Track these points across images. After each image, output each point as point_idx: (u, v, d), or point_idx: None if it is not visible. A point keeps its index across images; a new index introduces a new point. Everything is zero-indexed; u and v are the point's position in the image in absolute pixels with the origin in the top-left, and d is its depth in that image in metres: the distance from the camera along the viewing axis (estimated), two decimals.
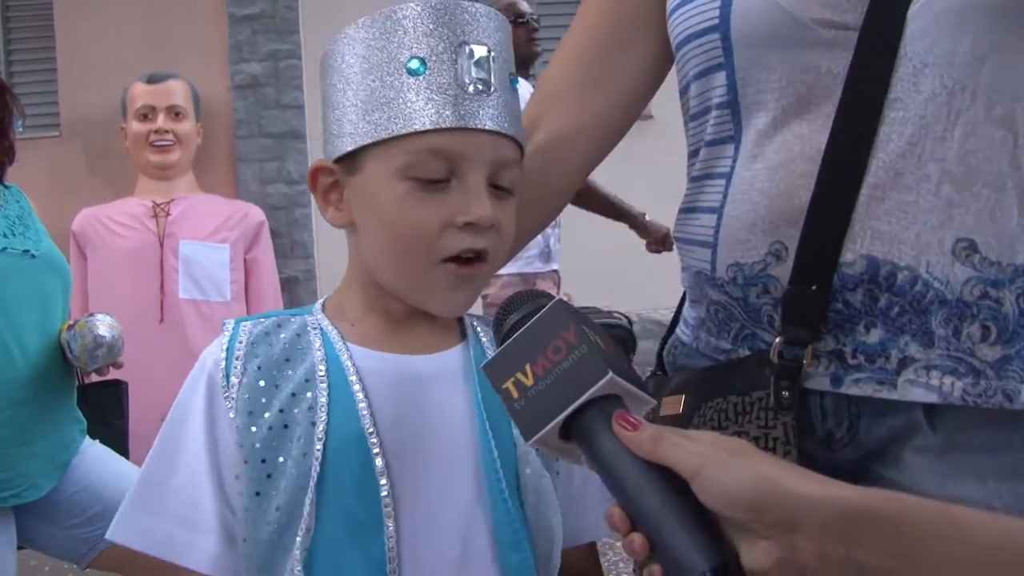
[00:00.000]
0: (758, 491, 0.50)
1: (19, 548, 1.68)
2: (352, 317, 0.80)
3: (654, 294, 3.31)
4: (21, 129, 1.79)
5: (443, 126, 0.72)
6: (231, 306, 2.66)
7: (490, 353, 0.81)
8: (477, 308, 0.81)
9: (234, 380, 0.75)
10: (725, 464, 0.52)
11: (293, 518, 0.72)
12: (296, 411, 0.74)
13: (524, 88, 2.75)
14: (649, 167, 2.87)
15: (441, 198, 0.73)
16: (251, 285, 2.76)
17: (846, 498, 0.50)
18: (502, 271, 2.83)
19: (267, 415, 0.74)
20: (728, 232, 0.79)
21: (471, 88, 0.73)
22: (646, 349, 1.96)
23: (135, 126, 2.75)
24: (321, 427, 0.73)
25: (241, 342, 0.78)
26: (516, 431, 0.77)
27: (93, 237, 2.66)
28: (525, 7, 2.80)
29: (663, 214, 2.82)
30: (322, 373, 0.76)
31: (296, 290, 3.46)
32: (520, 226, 0.82)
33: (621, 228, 2.91)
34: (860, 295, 0.72)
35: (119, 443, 1.88)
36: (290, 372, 0.76)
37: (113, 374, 1.82)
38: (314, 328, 0.79)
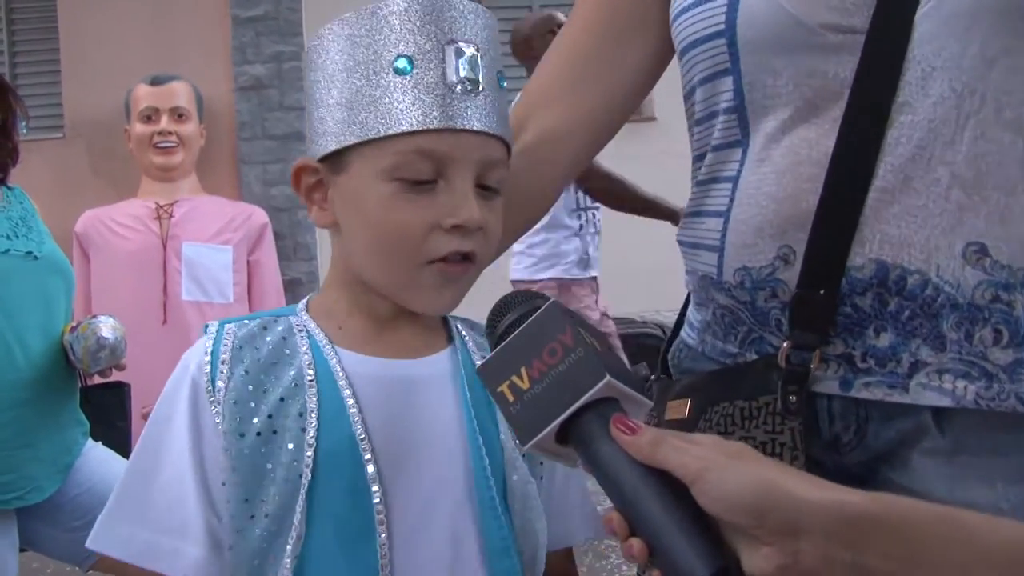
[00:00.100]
0: (760, 495, 0.50)
1: (21, 550, 1.68)
2: (338, 318, 0.79)
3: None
4: (25, 131, 1.80)
5: (430, 127, 0.71)
6: (234, 308, 2.66)
7: (476, 357, 0.81)
8: None
9: (220, 385, 0.74)
10: (726, 468, 0.51)
11: (283, 526, 0.71)
12: (285, 417, 0.73)
13: None
14: (652, 168, 2.87)
15: (428, 199, 0.72)
16: (254, 287, 2.75)
17: (849, 502, 0.50)
18: (539, 276, 2.84)
19: (255, 421, 0.72)
20: (735, 236, 0.78)
21: (459, 88, 0.72)
22: None
23: (138, 128, 2.75)
24: (311, 433, 0.72)
25: (226, 345, 0.76)
26: (504, 436, 0.77)
27: (96, 238, 2.66)
28: (562, 18, 2.81)
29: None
30: (311, 378, 0.74)
31: (299, 292, 3.46)
32: (506, 226, 0.81)
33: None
34: (869, 299, 0.72)
35: (122, 445, 1.87)
36: (277, 377, 0.75)
37: (116, 376, 1.82)
38: (300, 330, 0.78)
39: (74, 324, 1.72)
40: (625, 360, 2.96)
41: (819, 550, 0.49)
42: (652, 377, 0.96)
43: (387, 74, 0.72)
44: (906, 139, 0.70)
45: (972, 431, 0.71)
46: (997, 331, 0.68)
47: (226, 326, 0.78)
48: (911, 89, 0.69)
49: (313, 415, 0.72)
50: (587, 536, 0.88)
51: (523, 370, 0.59)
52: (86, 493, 1.70)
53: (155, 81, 2.78)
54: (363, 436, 0.73)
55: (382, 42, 0.72)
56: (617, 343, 2.99)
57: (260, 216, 2.80)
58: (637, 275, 3.13)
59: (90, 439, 1.78)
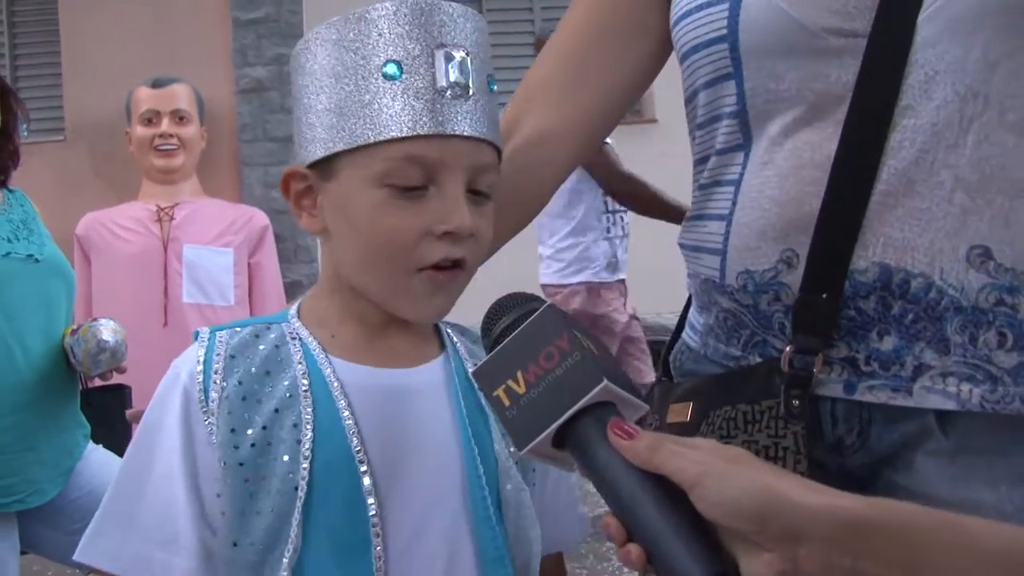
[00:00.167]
0: (760, 501, 0.49)
1: (22, 553, 1.68)
2: (330, 326, 0.78)
3: None
4: (26, 134, 1.80)
5: (420, 133, 0.70)
6: (235, 310, 2.65)
7: (469, 363, 0.80)
8: None
9: (214, 395, 0.72)
10: (725, 473, 0.51)
11: (279, 538, 0.70)
12: (280, 428, 0.72)
13: None
14: (653, 170, 2.87)
15: (419, 206, 0.71)
16: (255, 289, 2.75)
17: (849, 508, 0.49)
18: (569, 280, 2.84)
19: (250, 432, 0.72)
20: (738, 239, 0.78)
21: (448, 93, 0.71)
22: None
23: (139, 130, 2.74)
24: (307, 445, 0.71)
25: (219, 354, 0.74)
26: (497, 446, 0.77)
27: (97, 241, 2.65)
28: None
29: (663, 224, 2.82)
30: (305, 388, 0.73)
31: (300, 294, 3.45)
32: (501, 226, 0.81)
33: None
34: (873, 302, 0.72)
35: (122, 447, 1.85)
36: (271, 386, 0.74)
37: (117, 378, 1.81)
38: (293, 338, 0.77)
39: (75, 327, 1.72)
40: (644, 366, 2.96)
41: (818, 556, 0.49)
42: (654, 380, 0.96)
43: (376, 79, 0.71)
44: (909, 142, 0.69)
45: (976, 433, 0.71)
46: (1001, 334, 0.68)
47: (218, 334, 0.77)
48: (914, 92, 0.69)
49: (308, 427, 0.72)
50: (577, 540, 0.88)
51: (519, 374, 0.59)
52: (87, 496, 1.70)
53: (156, 84, 2.78)
54: (359, 448, 0.72)
55: (370, 47, 0.71)
56: (644, 347, 3.00)
57: (261, 218, 2.80)
58: (638, 277, 3.13)
59: (91, 442, 1.78)
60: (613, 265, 2.87)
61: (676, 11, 0.83)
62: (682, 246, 0.89)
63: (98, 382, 1.80)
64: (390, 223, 0.71)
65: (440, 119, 0.70)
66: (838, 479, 0.78)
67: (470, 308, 0.83)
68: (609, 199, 2.80)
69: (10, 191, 1.77)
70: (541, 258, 2.97)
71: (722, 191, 0.81)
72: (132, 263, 2.59)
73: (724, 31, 0.76)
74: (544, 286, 2.94)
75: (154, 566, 0.71)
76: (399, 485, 0.73)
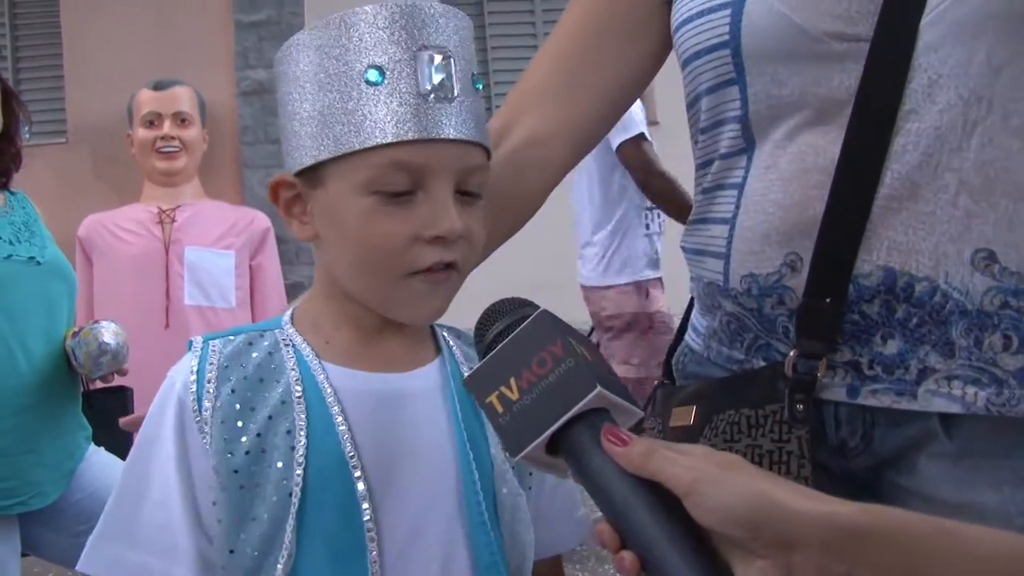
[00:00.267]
0: (754, 507, 0.49)
1: (23, 555, 1.68)
2: (325, 331, 0.78)
3: None
4: (28, 136, 1.80)
5: (406, 138, 0.69)
6: (236, 312, 2.65)
7: (464, 367, 0.80)
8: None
9: (207, 404, 0.72)
10: (719, 480, 0.51)
11: (274, 544, 0.70)
12: (274, 435, 0.72)
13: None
14: None
15: (407, 211, 0.70)
16: (256, 291, 2.75)
17: (844, 514, 0.49)
18: (616, 281, 2.83)
19: (244, 439, 0.71)
20: (741, 243, 0.78)
21: (432, 96, 0.70)
22: None
23: (141, 132, 2.75)
24: (301, 451, 0.71)
25: (212, 363, 0.74)
26: (493, 450, 0.77)
27: (99, 243, 2.65)
28: None
29: (668, 218, 2.82)
30: (299, 394, 0.73)
31: (301, 296, 3.45)
32: (494, 229, 0.80)
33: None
34: (877, 306, 0.72)
35: (124, 450, 1.86)
36: (265, 394, 0.73)
37: (118, 380, 1.81)
38: (287, 345, 0.76)
39: (76, 329, 1.72)
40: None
41: (813, 562, 0.48)
42: (656, 383, 0.96)
43: (358, 85, 0.70)
44: (913, 146, 0.69)
45: (980, 435, 0.71)
46: (1007, 337, 0.68)
47: (211, 342, 0.76)
48: (917, 97, 0.69)
49: (302, 433, 0.71)
50: (576, 544, 0.88)
51: (512, 381, 0.58)
52: (88, 498, 1.70)
53: (158, 86, 2.78)
54: (352, 453, 0.72)
55: (352, 52, 0.71)
56: None
57: (262, 220, 2.80)
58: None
59: (92, 444, 1.78)
60: (655, 262, 2.87)
61: (677, 17, 0.83)
62: (684, 249, 0.89)
63: (100, 384, 1.80)
64: (379, 230, 0.71)
65: (425, 123, 0.70)
66: (840, 481, 0.78)
67: (466, 311, 0.83)
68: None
69: (12, 193, 1.77)
70: (580, 257, 2.96)
71: (725, 195, 0.81)
72: (134, 265, 2.59)
73: (726, 37, 0.76)
74: (587, 287, 2.92)
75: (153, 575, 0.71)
76: (394, 490, 0.73)
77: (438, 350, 0.81)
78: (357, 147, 0.70)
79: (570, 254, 3.42)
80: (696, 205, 0.87)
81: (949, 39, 0.68)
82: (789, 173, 0.75)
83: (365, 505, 0.71)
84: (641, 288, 2.83)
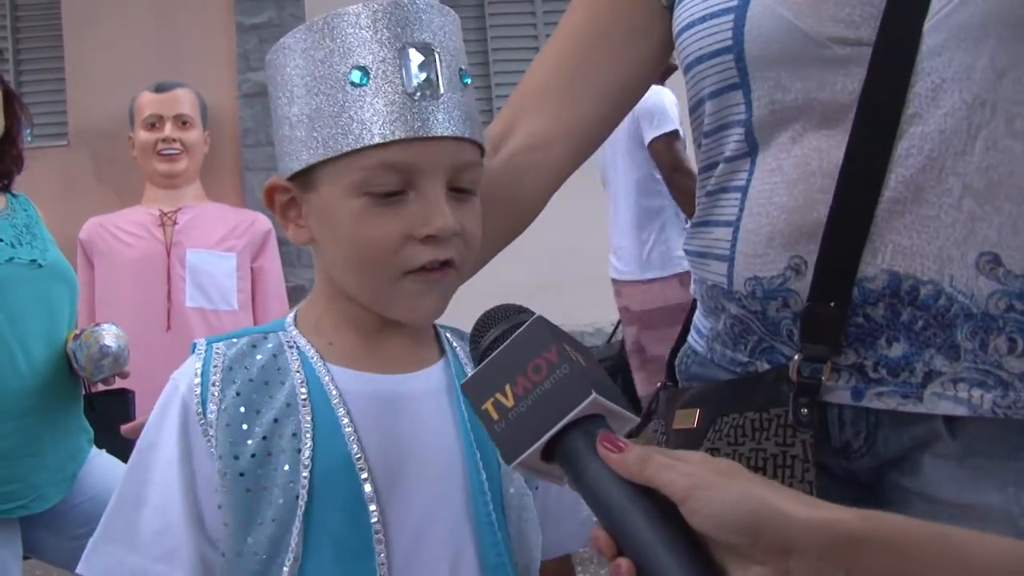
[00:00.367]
0: (751, 513, 0.49)
1: (24, 558, 1.67)
2: (327, 334, 0.78)
3: None
4: (30, 139, 1.80)
5: (393, 138, 0.69)
6: (238, 315, 2.65)
7: (468, 368, 0.80)
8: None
9: (212, 407, 0.72)
10: (717, 486, 0.51)
11: (280, 547, 0.70)
12: (280, 438, 0.71)
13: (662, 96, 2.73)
14: None
15: (399, 211, 0.70)
16: (258, 294, 2.75)
17: (842, 520, 0.49)
18: (661, 274, 2.83)
19: (250, 442, 0.71)
20: (745, 246, 0.78)
21: (418, 94, 0.70)
22: None
23: (142, 135, 2.75)
24: (307, 454, 0.71)
25: (216, 366, 0.74)
26: None
27: (100, 245, 2.66)
28: None
29: None
30: (304, 397, 0.73)
31: (303, 298, 3.45)
32: (495, 233, 0.80)
33: None
34: (881, 309, 0.72)
35: (126, 452, 1.86)
36: (270, 396, 0.73)
37: (120, 383, 1.81)
38: (290, 347, 0.76)
39: (77, 332, 1.72)
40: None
41: (810, 569, 0.48)
42: (659, 385, 0.95)
43: (344, 87, 0.70)
44: (917, 150, 0.69)
45: (984, 437, 0.71)
46: (1012, 340, 0.68)
47: (215, 345, 0.76)
48: (921, 101, 0.69)
49: (308, 435, 0.71)
50: (583, 544, 0.88)
51: (507, 387, 0.58)
52: (90, 501, 1.70)
53: (159, 88, 2.78)
54: (359, 455, 0.71)
55: (336, 54, 0.70)
56: None
57: (264, 223, 2.80)
58: None
59: (94, 447, 1.78)
60: None
61: (679, 22, 0.83)
62: (687, 252, 0.89)
63: (101, 387, 1.80)
64: (372, 231, 0.70)
65: (412, 122, 0.69)
66: (843, 482, 0.78)
67: (469, 314, 0.82)
68: None
69: (14, 196, 1.77)
70: (621, 256, 2.95)
71: (729, 197, 0.81)
72: (135, 267, 2.59)
73: (729, 42, 0.76)
74: (624, 282, 2.92)
75: None
76: (400, 491, 0.73)
77: (442, 351, 0.81)
78: (346, 149, 0.69)
79: (571, 255, 3.43)
80: (699, 208, 0.87)
81: (952, 43, 0.68)
82: (793, 176, 0.74)
83: (372, 507, 0.71)
84: (684, 280, 2.84)
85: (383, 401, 0.75)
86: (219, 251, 2.67)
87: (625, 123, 2.70)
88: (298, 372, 0.74)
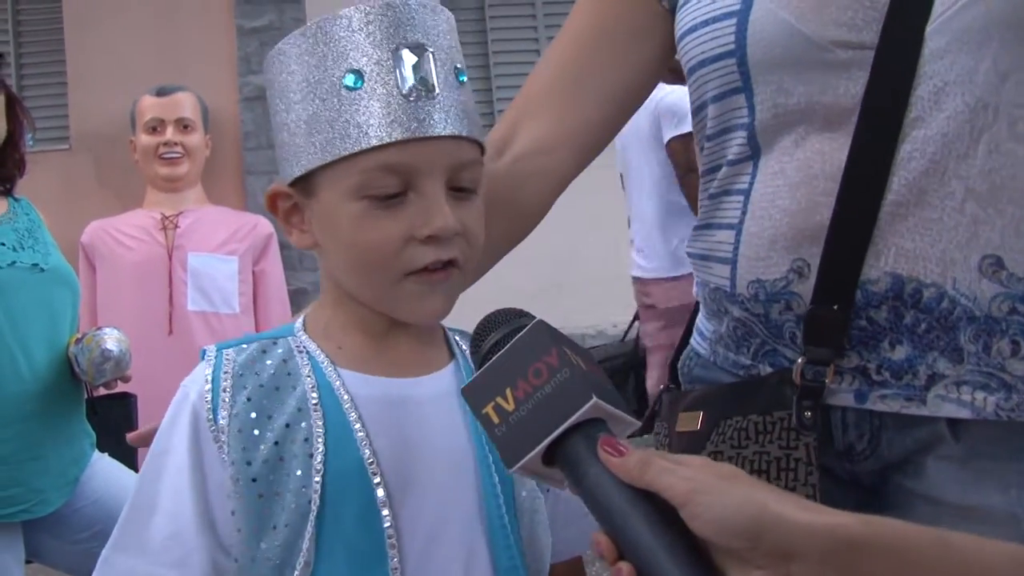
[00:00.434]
0: (752, 518, 0.49)
1: (27, 562, 1.68)
2: (336, 337, 0.77)
3: None
4: (32, 143, 1.80)
5: (390, 140, 0.68)
6: (240, 318, 2.65)
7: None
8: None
9: (223, 413, 0.72)
10: (717, 490, 0.51)
11: (293, 552, 0.69)
12: (292, 443, 0.71)
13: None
14: None
15: (399, 212, 0.70)
16: (259, 297, 2.75)
17: (843, 525, 0.49)
18: (687, 271, 2.82)
19: (262, 448, 0.71)
20: (748, 249, 0.78)
21: (413, 95, 0.69)
22: None
23: (144, 138, 2.75)
24: (319, 459, 0.70)
25: (227, 372, 0.74)
26: None
27: (102, 249, 2.66)
28: None
29: None
30: (315, 401, 0.73)
31: (305, 302, 3.45)
32: (499, 238, 0.80)
33: None
34: (885, 312, 0.72)
35: (128, 456, 1.87)
36: (281, 402, 0.73)
37: (122, 387, 1.81)
38: (300, 352, 0.76)
39: (79, 336, 1.72)
40: None
41: (812, 573, 0.48)
42: (662, 387, 0.95)
43: (338, 91, 0.70)
44: (919, 153, 0.69)
45: (987, 439, 0.71)
46: (1015, 342, 0.68)
47: (224, 351, 0.76)
48: (923, 104, 0.69)
49: (320, 440, 0.71)
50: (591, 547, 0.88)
51: (508, 391, 0.58)
52: (92, 505, 1.70)
53: (160, 92, 2.78)
54: (371, 459, 0.71)
55: (330, 59, 0.70)
56: None
57: (265, 226, 2.80)
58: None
59: (97, 451, 1.78)
60: None
61: (682, 26, 0.83)
62: (690, 255, 0.89)
63: (103, 391, 1.80)
64: (372, 234, 0.70)
65: (408, 123, 0.69)
66: (846, 485, 0.78)
67: (471, 317, 0.82)
68: None
69: (16, 200, 1.77)
70: (641, 252, 2.94)
71: (732, 200, 0.81)
72: (137, 271, 2.59)
73: (732, 46, 0.76)
74: (648, 280, 2.90)
75: None
76: (412, 495, 0.73)
77: (452, 354, 0.81)
78: (343, 154, 0.69)
79: (570, 258, 3.42)
80: (702, 211, 0.87)
81: (955, 46, 0.68)
82: (796, 179, 0.74)
83: (385, 511, 0.71)
84: None
85: (394, 405, 0.75)
86: (221, 254, 2.67)
87: (648, 121, 2.70)
88: (309, 377, 0.74)
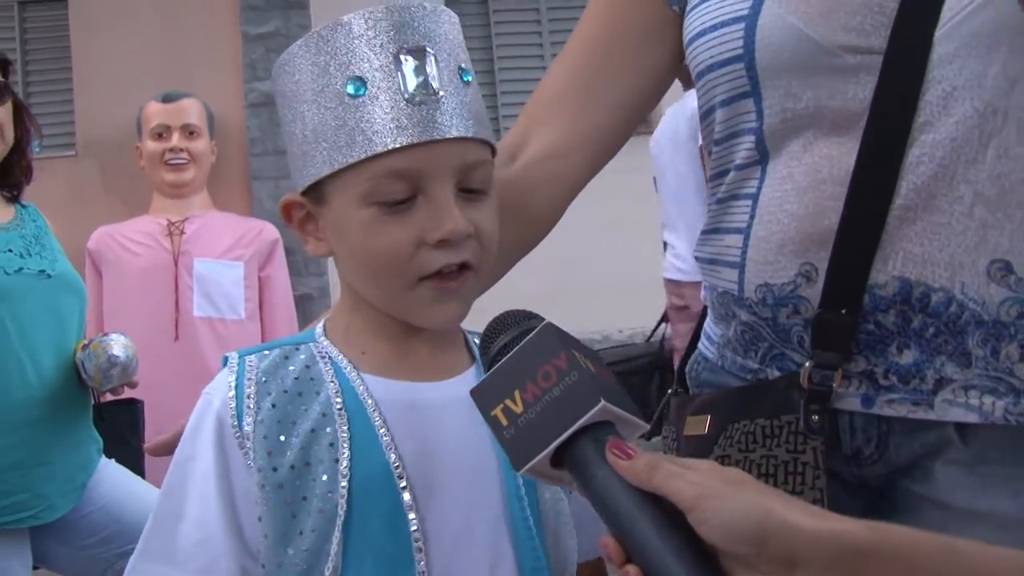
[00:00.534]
0: (759, 524, 0.49)
1: (34, 568, 1.68)
2: (358, 343, 0.77)
3: None
4: (39, 150, 1.80)
5: (395, 146, 0.68)
6: (246, 324, 2.66)
7: None
8: None
9: (248, 420, 0.72)
10: (724, 495, 0.51)
11: (320, 558, 0.69)
12: (317, 448, 0.71)
13: None
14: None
15: (409, 218, 0.70)
16: (265, 302, 2.75)
17: (850, 532, 0.49)
18: None
19: (288, 453, 0.71)
20: (756, 253, 0.78)
21: (418, 98, 0.69)
22: None
23: (150, 145, 2.76)
24: (345, 463, 0.70)
25: (250, 379, 0.74)
26: None
27: (108, 255, 2.67)
28: None
29: None
30: (339, 406, 0.73)
31: (310, 307, 3.46)
32: (512, 244, 0.80)
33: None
34: (892, 316, 0.71)
35: (135, 462, 1.87)
36: (305, 407, 0.73)
37: (128, 393, 1.81)
38: (322, 357, 0.76)
39: (86, 342, 1.72)
40: None
41: None
42: (669, 391, 0.95)
43: (342, 98, 0.70)
44: (928, 158, 0.69)
45: (995, 443, 0.71)
46: (1023, 347, 0.68)
47: (247, 358, 0.76)
48: (932, 109, 0.69)
49: (345, 445, 0.71)
50: None
51: (517, 393, 0.58)
52: (99, 511, 1.70)
53: (166, 98, 2.80)
54: (397, 464, 0.71)
55: (333, 66, 0.70)
56: None
57: (271, 232, 2.81)
58: (645, 289, 3.13)
59: (104, 456, 1.78)
60: None
61: (690, 30, 0.83)
62: (698, 259, 0.89)
63: (110, 397, 1.80)
64: (382, 241, 0.70)
65: (413, 128, 0.68)
66: (854, 489, 0.78)
67: (486, 321, 0.82)
68: None
69: (23, 206, 1.78)
70: (675, 254, 2.93)
71: (740, 204, 0.81)
72: (143, 277, 2.60)
73: (740, 51, 0.76)
74: (684, 283, 2.89)
75: None
76: (438, 499, 0.73)
77: (472, 357, 0.81)
78: (350, 161, 0.69)
79: (582, 262, 3.42)
80: (710, 215, 0.87)
81: (964, 51, 0.68)
82: (804, 184, 0.74)
83: (412, 515, 0.71)
84: None
85: (417, 409, 0.75)
86: (226, 260, 2.67)
87: (687, 125, 2.70)
88: (332, 382, 0.74)
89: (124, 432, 1.90)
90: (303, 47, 0.72)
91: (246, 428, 0.72)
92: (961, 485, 0.72)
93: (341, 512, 0.69)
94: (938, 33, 0.68)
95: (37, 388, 1.60)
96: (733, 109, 0.80)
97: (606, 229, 3.30)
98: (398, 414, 0.74)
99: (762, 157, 0.79)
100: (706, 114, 0.85)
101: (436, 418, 0.75)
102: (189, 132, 2.79)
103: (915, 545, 0.50)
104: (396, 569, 0.70)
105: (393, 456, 0.71)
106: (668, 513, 0.52)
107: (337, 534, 0.69)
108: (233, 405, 0.73)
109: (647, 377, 3.05)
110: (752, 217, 0.79)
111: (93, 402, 1.79)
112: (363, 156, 0.69)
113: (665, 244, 2.97)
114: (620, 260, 3.42)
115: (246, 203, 3.52)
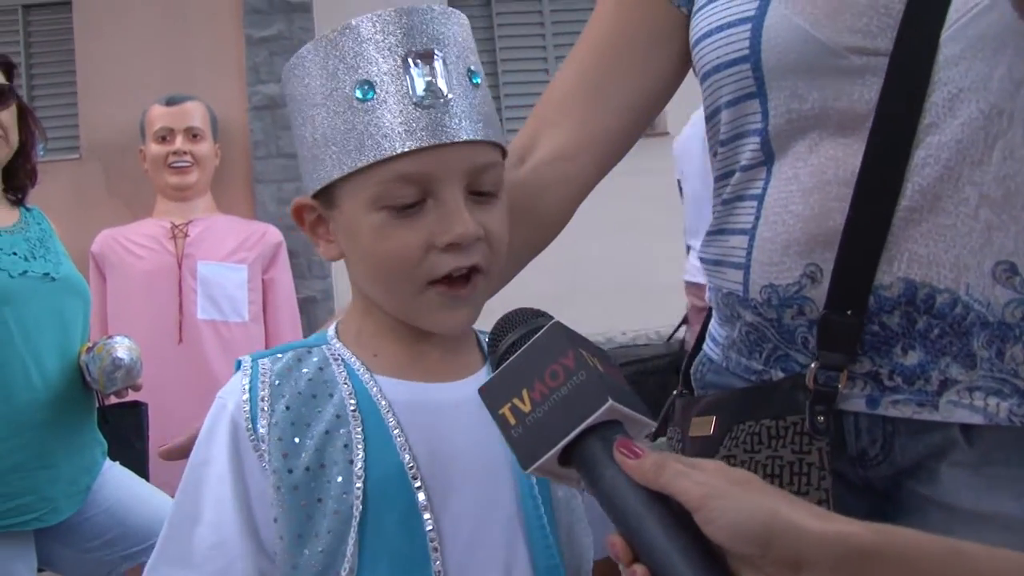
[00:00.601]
0: (764, 525, 0.49)
1: (39, 571, 1.68)
2: (370, 345, 0.78)
3: None
4: (43, 153, 1.81)
5: (404, 150, 0.68)
6: (249, 326, 2.66)
7: None
8: None
9: (262, 422, 0.72)
10: (731, 495, 0.51)
11: (336, 558, 0.69)
12: (331, 449, 0.71)
13: None
14: (664, 183, 2.87)
15: (419, 221, 0.69)
16: (269, 305, 2.75)
17: (853, 534, 0.49)
18: None
19: (303, 455, 0.71)
20: (761, 254, 0.78)
21: (426, 101, 0.69)
22: None
23: (153, 148, 2.77)
24: (359, 465, 0.71)
25: (264, 381, 0.74)
26: None
27: (112, 258, 2.67)
28: None
29: (676, 230, 2.81)
30: (353, 408, 0.73)
31: (314, 310, 3.46)
32: (522, 246, 0.79)
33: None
34: (897, 317, 0.71)
35: (139, 465, 1.87)
36: (319, 410, 0.73)
37: (132, 395, 1.82)
38: (335, 360, 0.77)
39: (90, 344, 1.72)
40: None
41: None
42: (675, 392, 0.95)
43: (351, 103, 0.70)
44: (934, 159, 0.69)
45: (1001, 445, 0.71)
46: None
47: (260, 361, 0.76)
48: (938, 110, 0.69)
49: (359, 446, 0.71)
50: None
51: (524, 392, 0.58)
52: (103, 513, 1.70)
53: (170, 101, 2.80)
54: (411, 464, 0.71)
55: (342, 70, 0.70)
56: None
57: (274, 234, 2.81)
58: (653, 291, 3.13)
59: (108, 459, 1.78)
60: None
61: (697, 31, 0.83)
62: (703, 260, 0.89)
63: (114, 399, 1.81)
64: (393, 244, 0.70)
65: (421, 132, 0.68)
66: (859, 491, 0.78)
67: (480, 321, 0.82)
68: None
69: (27, 209, 1.78)
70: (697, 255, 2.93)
71: (745, 206, 0.81)
72: (147, 280, 2.60)
73: (746, 51, 0.76)
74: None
75: None
76: (452, 499, 0.73)
77: (484, 358, 0.81)
78: (359, 165, 0.69)
79: (591, 263, 3.41)
80: (715, 216, 0.87)
81: (969, 53, 0.68)
82: (809, 185, 0.74)
83: (427, 515, 0.71)
84: None
85: (430, 410, 0.75)
86: (230, 263, 2.68)
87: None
88: (345, 384, 0.74)
89: (128, 435, 1.90)
90: (312, 51, 0.72)
91: (260, 431, 0.72)
92: (966, 487, 0.72)
93: (356, 513, 0.69)
94: (944, 35, 0.68)
95: (41, 391, 1.60)
96: (739, 110, 0.80)
97: (615, 231, 3.30)
98: (411, 415, 0.74)
99: (767, 158, 0.79)
100: (712, 115, 0.85)
101: (449, 418, 0.75)
102: (193, 135, 2.79)
103: (920, 547, 0.50)
104: (412, 569, 0.70)
105: (407, 456, 0.71)
106: (675, 512, 0.52)
107: (353, 535, 0.69)
108: (247, 408, 0.73)
109: (667, 376, 3.06)
110: (757, 218, 0.79)
111: (97, 405, 1.80)
112: (372, 160, 0.69)
113: (688, 247, 2.97)
114: (629, 261, 3.42)
115: (249, 206, 3.53)
